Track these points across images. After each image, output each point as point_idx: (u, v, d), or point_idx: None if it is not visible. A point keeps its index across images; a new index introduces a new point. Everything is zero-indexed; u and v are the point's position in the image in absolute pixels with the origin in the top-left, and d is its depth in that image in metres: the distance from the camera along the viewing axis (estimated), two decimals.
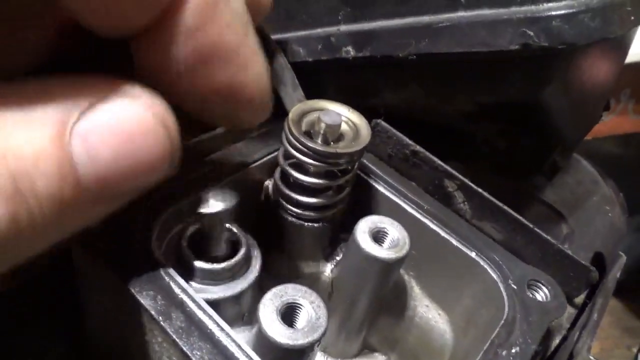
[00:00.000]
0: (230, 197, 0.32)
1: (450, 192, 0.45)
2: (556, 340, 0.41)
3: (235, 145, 0.44)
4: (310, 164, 0.37)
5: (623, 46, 0.51)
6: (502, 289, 0.36)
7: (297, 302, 0.31)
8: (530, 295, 0.36)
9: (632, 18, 0.35)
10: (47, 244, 0.23)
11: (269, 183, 0.43)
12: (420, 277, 0.44)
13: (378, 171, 0.44)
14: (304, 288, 0.32)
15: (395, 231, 0.38)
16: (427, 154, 0.45)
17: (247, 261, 0.36)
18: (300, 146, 0.37)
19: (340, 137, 0.39)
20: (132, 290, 0.30)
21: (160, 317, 0.29)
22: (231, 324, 0.35)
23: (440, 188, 0.46)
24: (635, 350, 0.85)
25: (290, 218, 0.41)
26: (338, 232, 0.44)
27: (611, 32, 0.34)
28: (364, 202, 0.44)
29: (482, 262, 0.38)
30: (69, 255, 0.34)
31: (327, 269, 0.44)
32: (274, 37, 0.52)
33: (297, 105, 0.40)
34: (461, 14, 0.39)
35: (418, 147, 0.46)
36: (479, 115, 0.48)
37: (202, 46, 0.25)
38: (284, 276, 0.43)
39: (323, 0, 0.49)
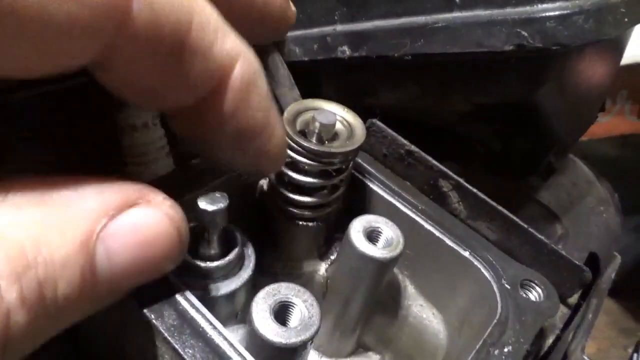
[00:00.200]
0: (222, 198, 0.32)
1: (445, 192, 0.45)
2: (549, 340, 0.41)
3: None
4: (305, 163, 0.37)
5: (618, 48, 0.52)
6: (495, 288, 0.36)
7: (290, 300, 0.32)
8: (524, 295, 0.37)
9: (626, 20, 0.35)
10: (54, 334, 0.24)
11: (263, 182, 0.43)
12: (415, 276, 0.44)
13: (373, 171, 0.44)
14: (297, 287, 0.32)
15: (389, 230, 0.39)
16: (422, 153, 0.46)
17: (240, 260, 0.36)
18: (294, 145, 0.37)
19: (334, 137, 0.39)
20: None
21: (152, 315, 0.29)
22: (225, 322, 0.35)
23: (435, 188, 0.46)
24: (630, 350, 0.85)
25: (284, 217, 0.41)
26: (333, 231, 0.45)
27: (605, 34, 0.34)
28: (358, 201, 0.44)
29: (475, 262, 0.38)
30: None
31: (322, 268, 0.45)
32: None
33: (292, 104, 0.40)
34: (456, 14, 0.39)
35: (413, 147, 0.46)
36: (475, 116, 0.48)
37: (237, 127, 0.28)
38: (278, 275, 0.43)
39: (320, 0, 0.49)
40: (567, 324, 0.42)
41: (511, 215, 0.42)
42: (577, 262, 0.39)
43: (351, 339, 0.45)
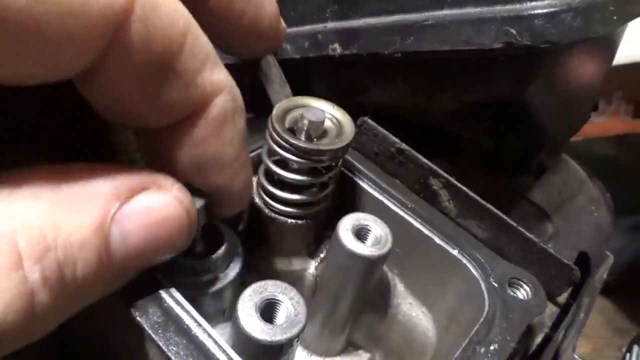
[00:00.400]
0: (200, 195, 0.32)
1: (436, 190, 0.45)
2: (538, 339, 0.41)
3: None
4: (294, 161, 0.37)
5: (609, 46, 0.52)
6: (483, 286, 0.36)
7: (277, 298, 0.31)
8: (511, 293, 0.36)
9: (615, 18, 0.35)
10: (74, 313, 0.25)
11: (253, 179, 0.43)
12: (404, 274, 0.44)
13: (363, 169, 0.44)
14: (283, 284, 0.32)
15: (377, 228, 0.38)
16: (413, 152, 0.45)
17: (228, 258, 0.36)
18: (283, 143, 0.37)
19: (323, 134, 0.39)
20: None
21: (137, 313, 0.29)
22: (212, 320, 0.35)
23: (426, 186, 0.46)
24: (624, 350, 0.86)
25: (274, 215, 0.41)
26: (322, 229, 0.44)
27: (593, 32, 0.34)
28: (348, 199, 0.44)
29: (464, 260, 0.38)
30: None
31: (311, 267, 0.44)
32: None
33: (281, 102, 0.40)
34: (446, 12, 0.39)
35: (404, 145, 0.46)
36: (465, 114, 0.48)
37: (202, 156, 0.28)
38: (267, 273, 0.43)
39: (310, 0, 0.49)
40: (556, 323, 0.42)
41: (501, 214, 0.42)
42: (565, 261, 0.39)
43: (341, 337, 0.45)
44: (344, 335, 0.45)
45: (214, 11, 0.34)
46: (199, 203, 0.32)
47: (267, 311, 0.31)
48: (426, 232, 0.40)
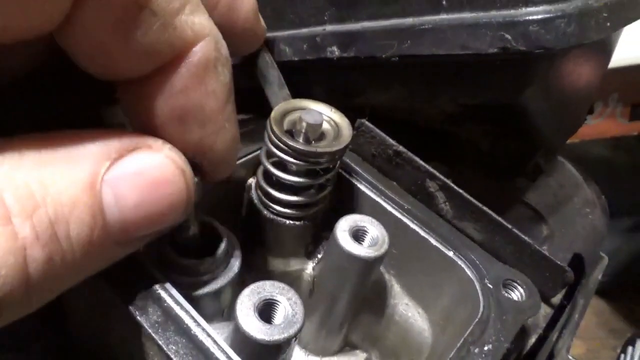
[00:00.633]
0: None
1: (432, 193, 0.46)
2: (532, 339, 0.41)
3: None
4: (292, 163, 0.38)
5: (605, 50, 0.52)
6: (478, 288, 0.37)
7: (275, 298, 0.32)
8: (506, 295, 0.37)
9: (609, 24, 0.35)
10: (74, 283, 0.25)
11: (251, 181, 0.44)
12: (401, 275, 0.44)
13: (360, 170, 0.45)
14: (281, 285, 0.33)
15: (375, 230, 0.39)
16: (410, 154, 0.46)
17: (227, 258, 0.36)
18: (281, 145, 0.37)
19: (321, 136, 0.39)
20: (110, 285, 0.30)
21: (136, 312, 0.29)
22: (211, 319, 0.36)
23: (423, 188, 0.46)
24: (619, 351, 0.86)
25: (272, 216, 0.41)
26: (320, 230, 0.45)
27: (587, 38, 0.35)
28: (346, 201, 0.45)
29: (459, 262, 0.39)
30: None
31: (309, 267, 0.45)
32: None
33: (280, 104, 0.40)
34: (443, 16, 0.40)
35: (401, 148, 0.46)
36: (462, 117, 0.48)
37: (183, 107, 0.27)
38: (265, 273, 0.44)
39: (310, 0, 0.50)
40: (550, 324, 0.43)
41: (496, 216, 0.42)
42: (559, 263, 0.40)
43: (338, 337, 0.46)
44: (341, 335, 0.46)
45: None
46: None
47: (265, 311, 0.32)
48: (422, 233, 0.41)
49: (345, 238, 0.38)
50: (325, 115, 0.40)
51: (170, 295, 0.30)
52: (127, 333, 0.32)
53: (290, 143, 0.37)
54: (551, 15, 0.34)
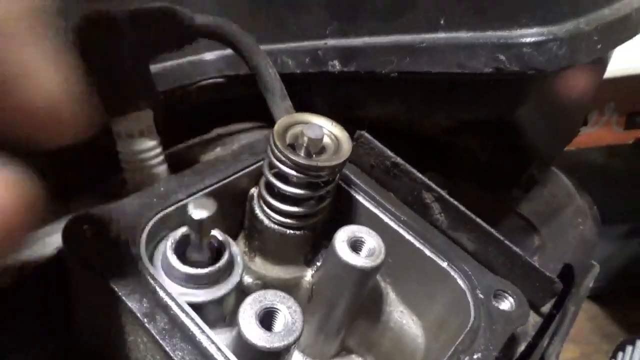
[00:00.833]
0: (211, 205, 0.34)
1: (428, 203, 0.47)
2: (521, 347, 0.43)
3: (223, 154, 0.46)
4: (293, 176, 0.39)
5: (598, 65, 0.54)
6: (469, 298, 0.38)
7: (275, 307, 0.33)
8: (496, 305, 0.39)
9: (599, 47, 0.37)
10: None
11: (254, 191, 0.45)
12: (396, 283, 0.46)
13: (359, 182, 0.46)
14: (282, 294, 0.34)
15: (372, 240, 0.41)
16: (407, 166, 0.48)
17: (230, 266, 0.38)
18: (283, 159, 0.39)
19: (322, 150, 0.41)
20: (120, 293, 0.32)
21: (145, 319, 0.31)
22: (213, 325, 0.37)
23: (419, 199, 0.48)
24: (610, 356, 0.88)
25: (273, 225, 0.43)
26: (319, 238, 0.46)
27: (578, 60, 0.36)
28: (344, 211, 0.46)
29: (452, 272, 0.40)
30: (59, 258, 0.36)
31: (308, 274, 0.46)
32: (265, 47, 0.54)
33: (282, 118, 0.42)
34: (441, 35, 0.41)
35: (399, 160, 0.48)
36: (459, 130, 0.50)
37: None
38: (266, 279, 0.45)
39: (312, 14, 0.51)
40: (539, 332, 0.44)
41: (489, 228, 0.44)
42: (548, 274, 0.42)
43: (335, 342, 0.47)
44: (338, 340, 0.47)
45: None
46: (205, 213, 0.34)
47: (266, 319, 0.33)
48: (417, 244, 0.42)
49: (343, 248, 0.39)
50: (326, 129, 0.41)
51: (176, 304, 0.32)
52: (135, 340, 0.33)
53: (292, 157, 0.38)
54: (544, 38, 0.36)
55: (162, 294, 0.32)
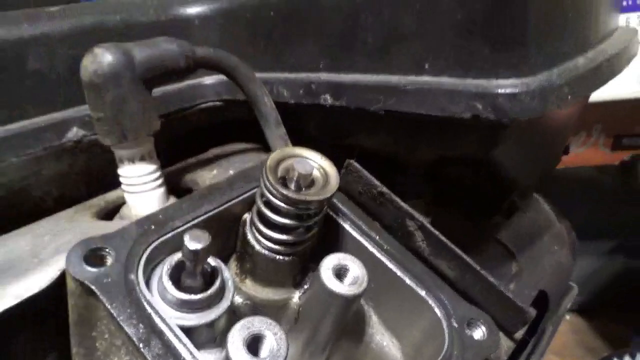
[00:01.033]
0: (206, 237, 0.37)
1: (411, 231, 0.50)
2: None
3: (218, 180, 0.48)
4: (283, 207, 0.42)
5: (578, 103, 0.57)
6: (444, 326, 0.41)
7: (262, 333, 0.36)
8: (469, 333, 0.41)
9: (569, 97, 0.40)
10: None
11: (247, 217, 0.48)
12: (378, 307, 0.49)
13: (346, 210, 0.49)
14: (269, 320, 0.37)
15: (356, 269, 0.43)
16: (392, 195, 0.50)
17: (221, 291, 0.40)
18: (274, 192, 0.41)
19: (311, 183, 0.44)
20: (118, 318, 0.34)
21: (141, 345, 0.33)
22: (204, 346, 0.40)
23: (403, 226, 0.50)
24: None
25: (264, 251, 0.45)
26: (307, 261, 0.49)
27: (549, 110, 0.39)
28: (332, 237, 0.49)
29: (430, 301, 0.43)
30: (62, 281, 0.39)
31: (296, 296, 0.49)
32: (262, 75, 0.56)
33: (275, 152, 0.44)
34: (425, 78, 0.44)
35: (385, 189, 0.51)
36: (442, 163, 0.53)
37: None
38: (255, 300, 0.48)
39: (307, 48, 0.54)
40: (511, 358, 0.47)
41: (467, 258, 0.47)
42: (519, 304, 0.44)
43: (320, 359, 0.50)
44: (322, 358, 0.50)
45: None
46: (200, 245, 0.37)
47: (253, 345, 0.36)
48: (399, 272, 0.45)
49: (328, 276, 0.42)
50: (315, 163, 0.44)
51: (170, 330, 0.34)
52: (128, 358, 0.36)
53: (283, 191, 0.41)
54: (517, 90, 0.38)
55: (157, 320, 0.35)
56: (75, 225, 0.53)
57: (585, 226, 0.84)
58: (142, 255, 0.39)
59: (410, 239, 0.50)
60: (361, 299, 0.46)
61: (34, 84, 0.53)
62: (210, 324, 0.39)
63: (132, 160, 0.50)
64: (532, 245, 0.59)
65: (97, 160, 0.57)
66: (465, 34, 0.41)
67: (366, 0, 0.47)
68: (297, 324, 0.49)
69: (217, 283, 0.40)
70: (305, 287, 0.49)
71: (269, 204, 0.44)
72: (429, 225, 0.49)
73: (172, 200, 0.55)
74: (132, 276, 0.37)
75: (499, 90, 0.39)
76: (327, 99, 0.51)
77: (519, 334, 0.49)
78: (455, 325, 0.41)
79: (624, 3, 1.05)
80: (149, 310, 0.35)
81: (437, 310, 0.42)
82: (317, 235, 0.47)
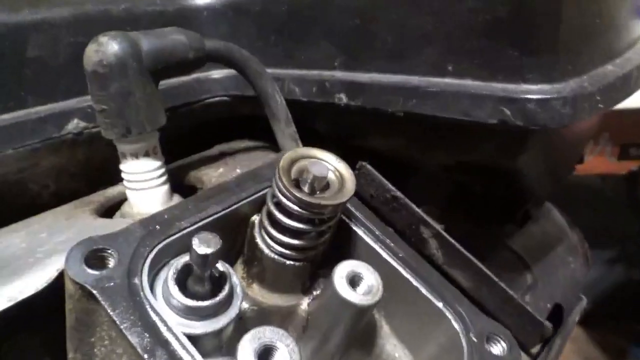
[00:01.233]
0: (216, 241, 0.35)
1: (425, 239, 0.48)
2: None
3: (225, 179, 0.46)
4: (296, 210, 0.40)
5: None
6: (463, 341, 0.39)
7: (274, 344, 0.34)
8: (488, 349, 0.40)
9: (600, 106, 0.38)
10: None
11: (256, 218, 0.46)
12: (390, 317, 0.47)
13: (359, 215, 0.47)
14: (281, 331, 0.35)
15: (371, 277, 0.41)
16: (406, 200, 0.48)
17: (229, 298, 0.38)
18: (288, 194, 0.39)
19: (326, 186, 0.41)
20: (121, 326, 0.32)
21: (145, 355, 0.31)
22: (211, 354, 0.38)
23: (417, 233, 0.49)
24: None
25: (273, 255, 0.43)
26: (318, 268, 0.47)
27: (580, 118, 0.37)
28: (344, 243, 0.47)
29: (447, 313, 0.41)
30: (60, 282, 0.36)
31: (305, 303, 0.47)
32: (273, 71, 0.54)
33: (289, 152, 0.42)
34: (448, 80, 0.42)
35: (398, 193, 0.49)
36: (456, 169, 0.51)
37: None
38: (263, 306, 0.46)
39: (321, 45, 0.52)
40: None
41: (484, 268, 0.45)
42: (539, 318, 0.43)
43: None
44: None
45: None
46: (209, 249, 0.35)
47: (264, 356, 0.34)
48: (414, 282, 0.43)
49: (342, 284, 0.40)
50: (331, 165, 0.42)
51: (176, 339, 0.32)
52: None
53: (297, 194, 0.39)
54: (548, 96, 0.37)
55: (162, 328, 0.33)
56: (74, 222, 0.51)
57: (585, 235, 0.82)
58: (147, 257, 0.37)
59: (423, 246, 0.48)
60: (374, 310, 0.44)
61: (33, 72, 0.51)
62: (218, 332, 0.37)
63: (135, 155, 0.47)
64: (546, 255, 0.58)
65: (98, 154, 0.54)
66: (491, 35, 0.39)
67: None
68: (305, 332, 0.46)
69: (226, 289, 0.37)
70: (315, 293, 0.47)
71: (280, 207, 0.41)
72: (445, 234, 0.47)
73: (176, 198, 0.53)
74: (136, 280, 0.35)
75: (529, 96, 0.37)
76: (342, 98, 0.49)
77: (535, 349, 0.48)
78: (475, 340, 0.40)
79: None
80: (154, 317, 0.33)
81: (454, 324, 0.40)
82: (329, 240, 0.45)
